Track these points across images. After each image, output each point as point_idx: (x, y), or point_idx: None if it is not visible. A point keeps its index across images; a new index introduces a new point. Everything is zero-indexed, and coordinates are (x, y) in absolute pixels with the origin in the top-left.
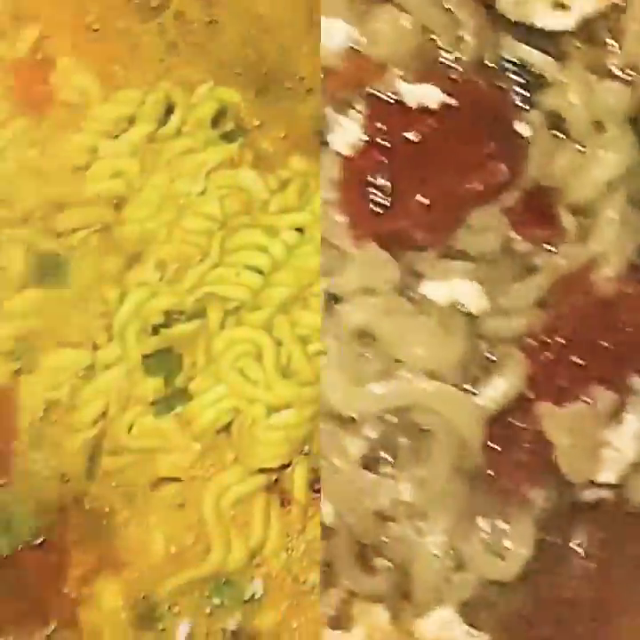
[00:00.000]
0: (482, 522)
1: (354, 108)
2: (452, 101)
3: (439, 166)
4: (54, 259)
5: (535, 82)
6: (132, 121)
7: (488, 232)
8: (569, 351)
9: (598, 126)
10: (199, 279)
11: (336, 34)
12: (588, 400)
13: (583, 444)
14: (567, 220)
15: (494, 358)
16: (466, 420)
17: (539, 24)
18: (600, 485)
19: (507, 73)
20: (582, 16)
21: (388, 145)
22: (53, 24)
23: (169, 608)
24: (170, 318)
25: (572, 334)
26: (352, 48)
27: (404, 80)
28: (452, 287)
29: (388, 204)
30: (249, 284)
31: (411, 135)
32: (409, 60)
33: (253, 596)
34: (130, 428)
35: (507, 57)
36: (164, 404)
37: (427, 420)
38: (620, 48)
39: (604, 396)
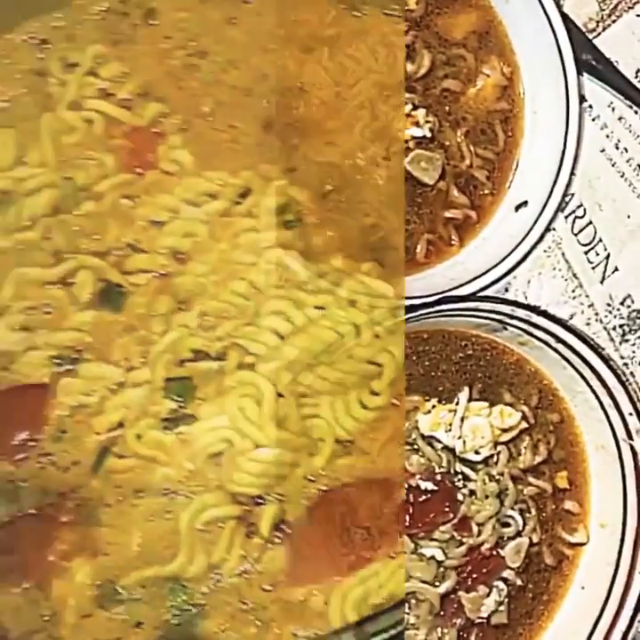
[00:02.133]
0: None
1: None
2: None
3: None
4: (117, 289)
5: None
6: (213, 196)
7: None
8: None
9: None
10: (229, 332)
11: None
12: None
13: None
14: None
15: None
16: None
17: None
18: None
19: None
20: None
21: None
22: (174, 106)
23: (130, 595)
24: (197, 356)
25: None
26: None
27: None
28: None
29: None
30: (267, 342)
31: None
32: None
33: (203, 605)
34: (139, 437)
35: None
36: (172, 422)
37: None
38: None
39: None
